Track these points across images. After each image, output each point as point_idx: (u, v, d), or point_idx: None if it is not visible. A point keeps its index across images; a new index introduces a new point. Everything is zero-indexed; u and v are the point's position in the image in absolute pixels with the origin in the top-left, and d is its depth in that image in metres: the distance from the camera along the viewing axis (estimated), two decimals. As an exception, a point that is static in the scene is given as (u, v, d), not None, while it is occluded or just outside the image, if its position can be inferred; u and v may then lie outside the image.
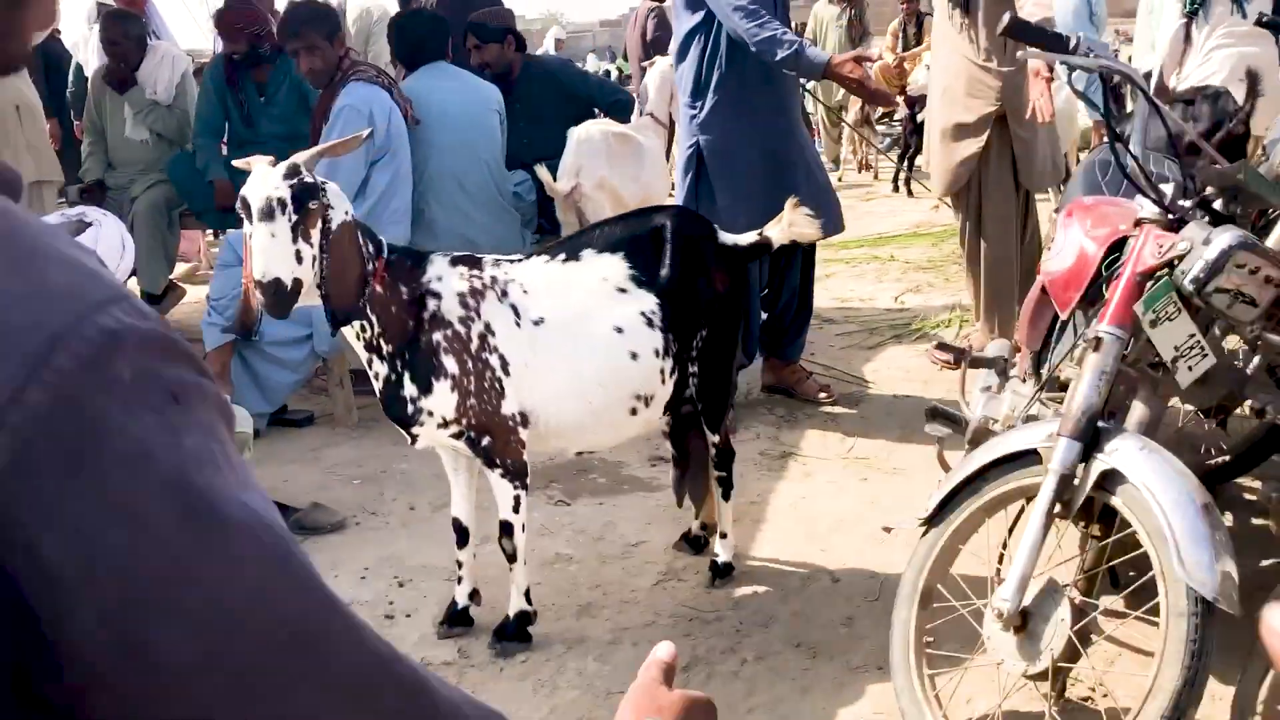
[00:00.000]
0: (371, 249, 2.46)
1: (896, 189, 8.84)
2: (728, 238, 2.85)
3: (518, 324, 2.54)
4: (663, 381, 2.68)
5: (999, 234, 4.28)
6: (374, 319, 2.47)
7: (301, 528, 3.33)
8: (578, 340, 2.59)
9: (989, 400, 2.62)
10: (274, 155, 5.01)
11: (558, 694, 2.50)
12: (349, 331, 2.51)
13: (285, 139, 4.90)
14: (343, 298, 2.40)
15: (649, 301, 2.65)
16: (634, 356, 2.61)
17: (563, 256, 2.68)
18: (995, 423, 2.54)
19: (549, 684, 2.54)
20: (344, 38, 4.31)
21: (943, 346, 4.40)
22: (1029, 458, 2.10)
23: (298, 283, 2.36)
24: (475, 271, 2.57)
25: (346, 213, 2.42)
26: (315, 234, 2.35)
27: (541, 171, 4.19)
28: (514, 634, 2.66)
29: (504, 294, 2.55)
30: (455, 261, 2.58)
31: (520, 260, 2.68)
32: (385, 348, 2.51)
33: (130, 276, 3.68)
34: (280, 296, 2.34)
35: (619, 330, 2.61)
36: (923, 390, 4.16)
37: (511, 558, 2.64)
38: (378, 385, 2.57)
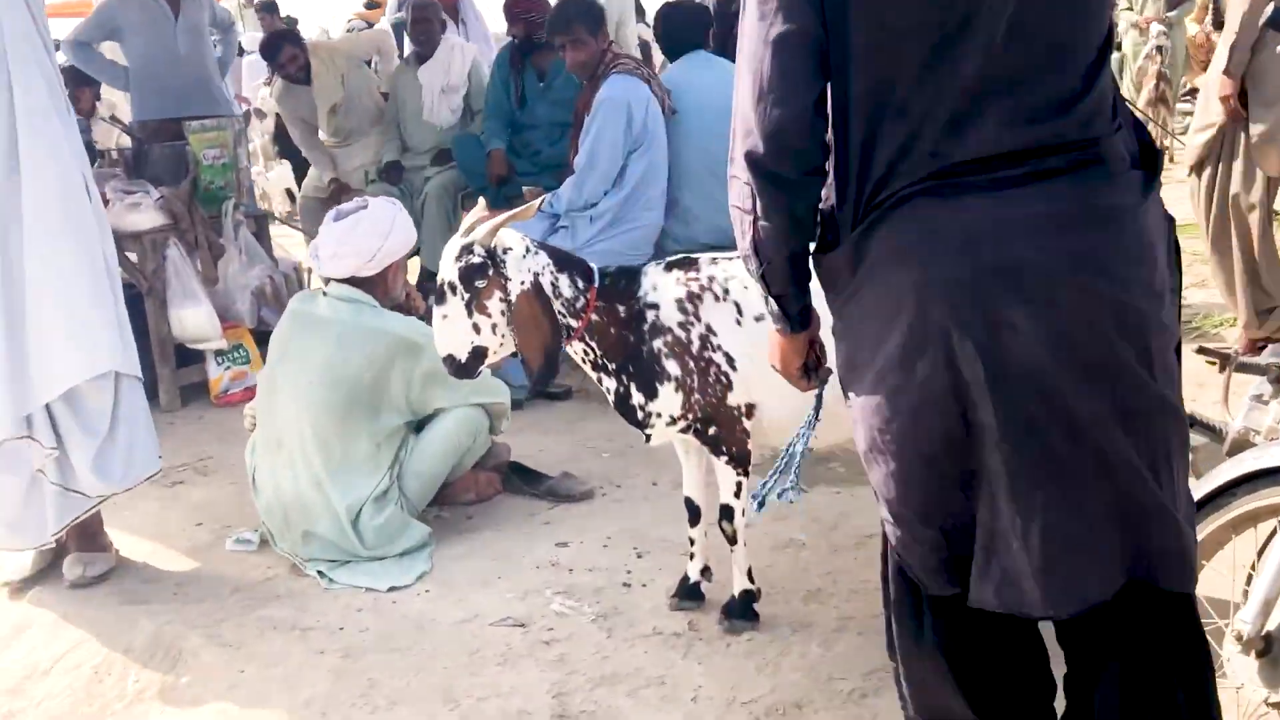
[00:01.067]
0: (581, 284, 2.59)
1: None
2: None
3: (739, 321, 2.59)
4: None
5: (1239, 220, 4.11)
6: (594, 344, 2.62)
7: (553, 494, 3.56)
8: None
9: (1252, 409, 2.45)
10: (547, 138, 5.27)
11: (780, 675, 2.56)
12: (574, 355, 2.66)
13: (560, 124, 5.20)
14: (534, 358, 2.55)
15: None
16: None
17: None
18: (1257, 434, 2.38)
19: (772, 664, 2.60)
20: (607, 31, 4.49)
21: (1204, 350, 4.11)
22: (1286, 474, 1.97)
23: (480, 351, 2.59)
24: (693, 274, 2.62)
25: (532, 275, 2.54)
26: (493, 304, 2.54)
27: None
28: (740, 612, 2.74)
29: (725, 293, 2.59)
30: (670, 267, 2.65)
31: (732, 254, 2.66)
32: (610, 365, 2.65)
33: (413, 255, 4.01)
34: (458, 367, 2.60)
35: None
36: (1196, 394, 3.90)
37: (732, 540, 2.72)
38: (610, 398, 2.71)
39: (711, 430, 2.65)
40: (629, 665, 2.64)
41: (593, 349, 2.63)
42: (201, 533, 3.49)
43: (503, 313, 2.54)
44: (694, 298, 2.60)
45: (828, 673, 2.54)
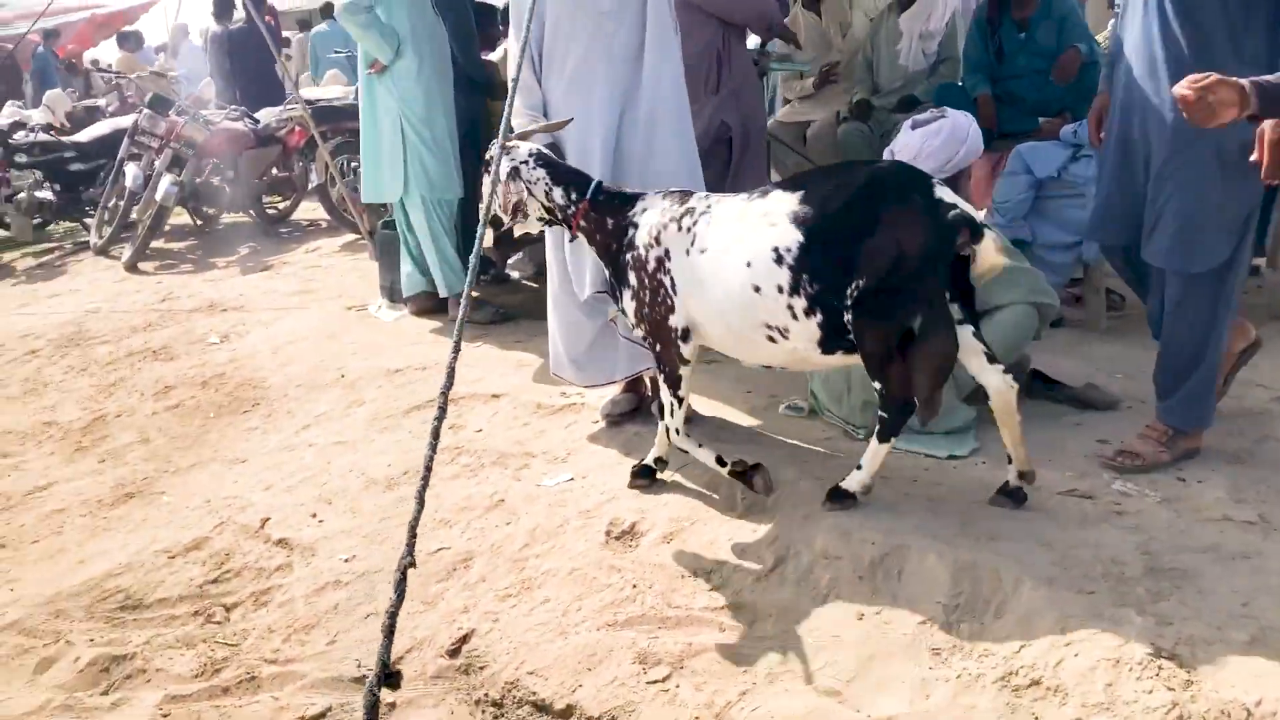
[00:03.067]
0: (574, 196, 3.18)
1: None
2: (945, 193, 2.73)
3: (687, 252, 2.98)
4: (794, 318, 2.81)
5: None
6: (592, 243, 3.25)
7: (1078, 400, 3.75)
8: (720, 269, 2.91)
9: None
10: (1033, 86, 5.38)
11: None
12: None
13: (1042, 73, 5.33)
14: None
15: (789, 239, 2.79)
16: (756, 290, 2.84)
17: (762, 192, 2.96)
18: None
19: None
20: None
21: None
22: None
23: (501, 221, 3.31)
24: (675, 206, 3.05)
25: (525, 185, 3.18)
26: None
27: None
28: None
29: (691, 226, 2.99)
30: (666, 195, 3.11)
31: (739, 195, 3.01)
32: (604, 259, 3.24)
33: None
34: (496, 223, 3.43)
35: (748, 265, 2.85)
36: None
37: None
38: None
39: (657, 347, 3.12)
40: (1204, 540, 2.81)
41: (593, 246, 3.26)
42: (755, 398, 3.96)
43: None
44: (664, 226, 3.03)
45: None
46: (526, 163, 3.21)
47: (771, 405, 3.89)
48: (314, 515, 3.62)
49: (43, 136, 8.64)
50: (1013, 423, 2.91)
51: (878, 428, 2.93)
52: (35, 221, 8.75)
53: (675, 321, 3.05)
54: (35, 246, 8.68)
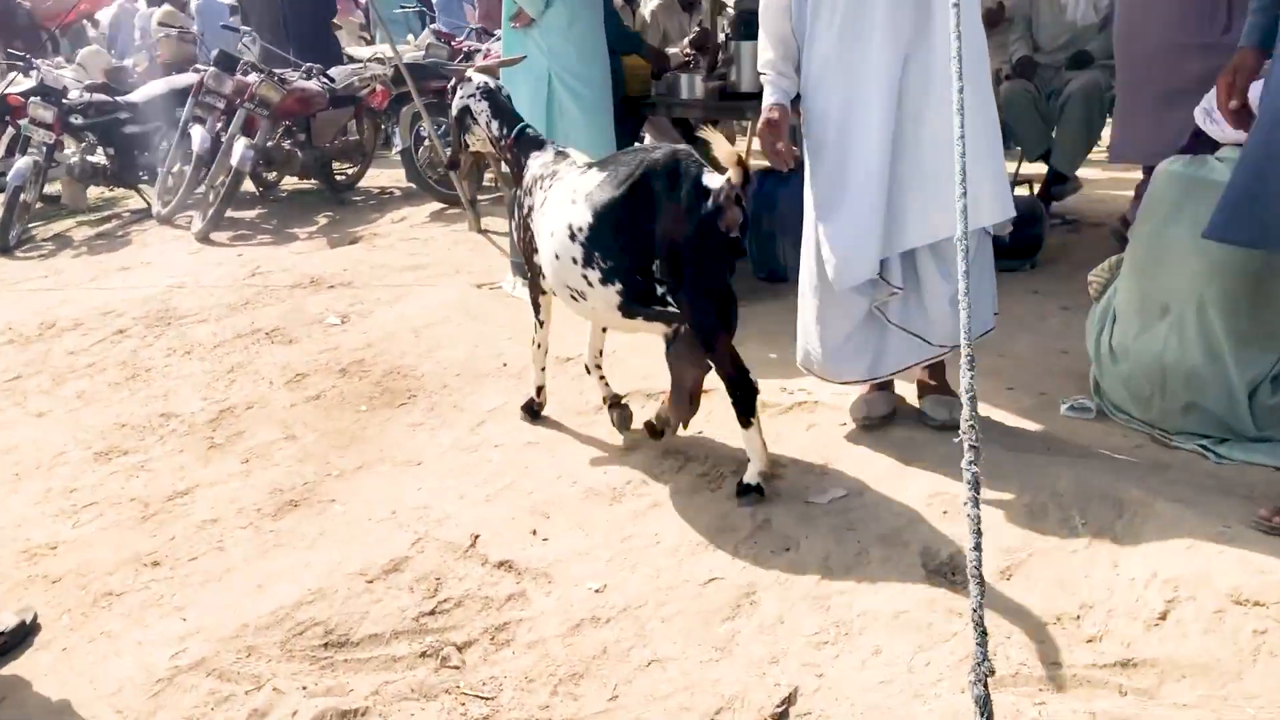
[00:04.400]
0: (506, 130, 3.58)
1: None
2: (709, 179, 2.83)
3: (538, 209, 3.32)
4: (590, 285, 3.11)
5: None
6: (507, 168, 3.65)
7: None
8: (545, 233, 3.24)
9: None
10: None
11: None
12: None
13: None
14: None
15: (581, 217, 3.07)
16: (557, 257, 3.17)
17: (585, 165, 3.24)
18: None
19: None
20: None
21: None
22: None
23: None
24: (552, 164, 3.38)
25: (472, 115, 3.67)
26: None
27: None
28: None
29: (547, 188, 3.30)
30: (556, 152, 3.44)
31: (582, 160, 3.33)
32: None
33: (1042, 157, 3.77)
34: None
35: (552, 234, 3.19)
36: None
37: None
38: None
39: (528, 274, 3.54)
40: None
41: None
42: (1020, 396, 3.45)
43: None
44: (538, 179, 3.37)
45: None
46: (474, 95, 3.65)
47: (1044, 405, 3.38)
48: (534, 532, 3.11)
49: (99, 96, 8.01)
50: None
51: (736, 411, 2.99)
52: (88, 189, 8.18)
53: (537, 260, 3.38)
54: (90, 216, 8.10)
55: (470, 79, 3.68)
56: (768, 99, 3.11)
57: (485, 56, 6.84)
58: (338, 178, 8.31)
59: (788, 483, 3.09)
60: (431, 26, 9.92)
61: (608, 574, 2.86)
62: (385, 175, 8.91)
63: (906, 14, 2.95)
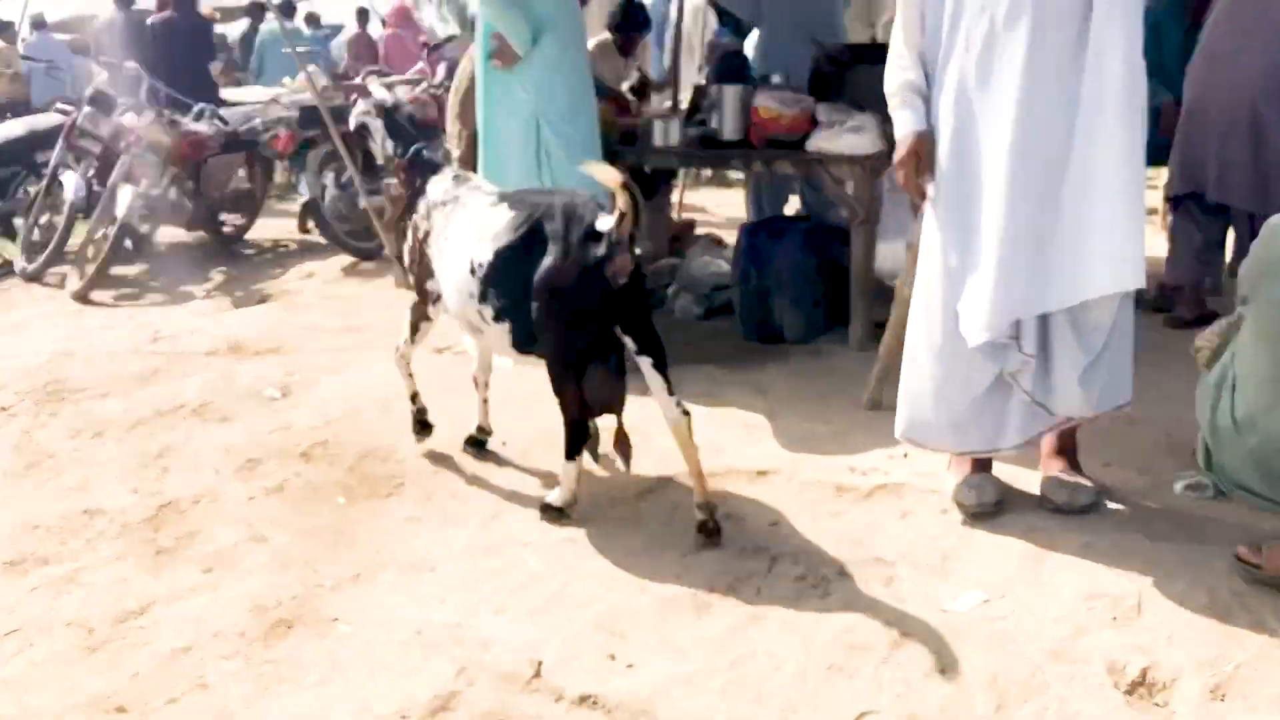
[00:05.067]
0: (400, 150, 3.55)
1: None
2: (604, 225, 2.81)
3: (440, 235, 3.26)
4: (484, 320, 3.13)
5: None
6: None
7: None
8: (447, 262, 3.23)
9: None
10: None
11: None
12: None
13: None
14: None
15: (481, 255, 3.07)
16: (457, 291, 3.19)
17: (496, 199, 3.19)
18: None
19: None
20: None
21: None
22: None
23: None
24: (453, 188, 3.33)
25: (368, 130, 3.80)
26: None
27: None
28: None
29: (451, 210, 3.25)
30: (455, 177, 3.41)
31: (490, 191, 3.29)
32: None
33: None
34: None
35: (456, 267, 3.18)
36: None
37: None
38: None
39: (416, 299, 3.51)
40: None
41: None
42: (1121, 472, 3.13)
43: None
44: (437, 204, 3.32)
45: None
46: (369, 112, 3.70)
47: (1155, 484, 3.06)
48: (611, 656, 2.57)
49: (-55, 139, 7.06)
50: (689, 453, 2.96)
51: (563, 445, 3.05)
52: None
53: (432, 286, 3.42)
54: (-66, 272, 7.10)
55: (371, 93, 3.83)
56: (908, 125, 2.75)
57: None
58: (224, 229, 7.54)
59: (910, 587, 2.66)
60: (310, 69, 9.24)
61: (727, 710, 2.35)
62: (273, 226, 8.18)
63: (1056, 42, 2.62)
